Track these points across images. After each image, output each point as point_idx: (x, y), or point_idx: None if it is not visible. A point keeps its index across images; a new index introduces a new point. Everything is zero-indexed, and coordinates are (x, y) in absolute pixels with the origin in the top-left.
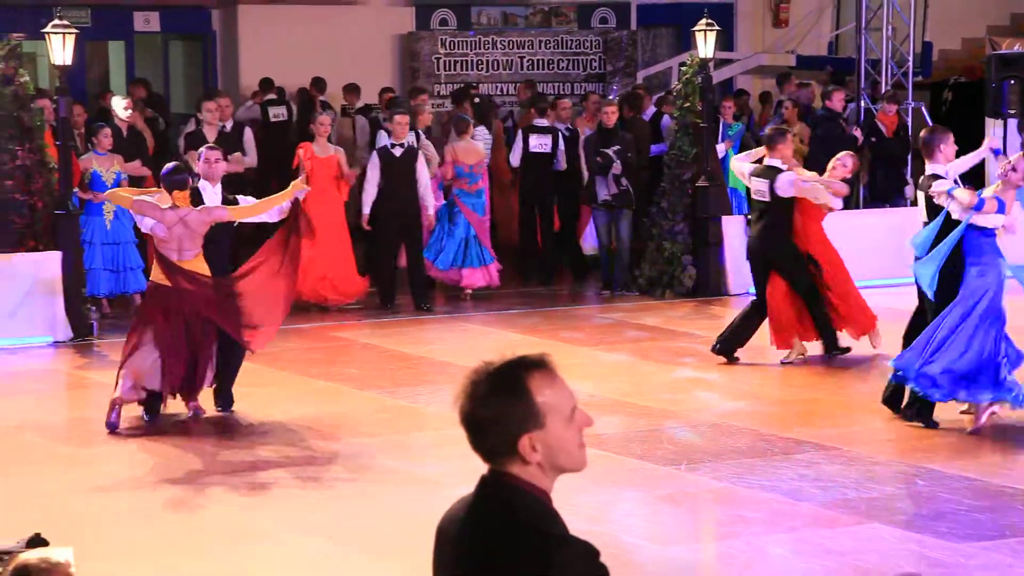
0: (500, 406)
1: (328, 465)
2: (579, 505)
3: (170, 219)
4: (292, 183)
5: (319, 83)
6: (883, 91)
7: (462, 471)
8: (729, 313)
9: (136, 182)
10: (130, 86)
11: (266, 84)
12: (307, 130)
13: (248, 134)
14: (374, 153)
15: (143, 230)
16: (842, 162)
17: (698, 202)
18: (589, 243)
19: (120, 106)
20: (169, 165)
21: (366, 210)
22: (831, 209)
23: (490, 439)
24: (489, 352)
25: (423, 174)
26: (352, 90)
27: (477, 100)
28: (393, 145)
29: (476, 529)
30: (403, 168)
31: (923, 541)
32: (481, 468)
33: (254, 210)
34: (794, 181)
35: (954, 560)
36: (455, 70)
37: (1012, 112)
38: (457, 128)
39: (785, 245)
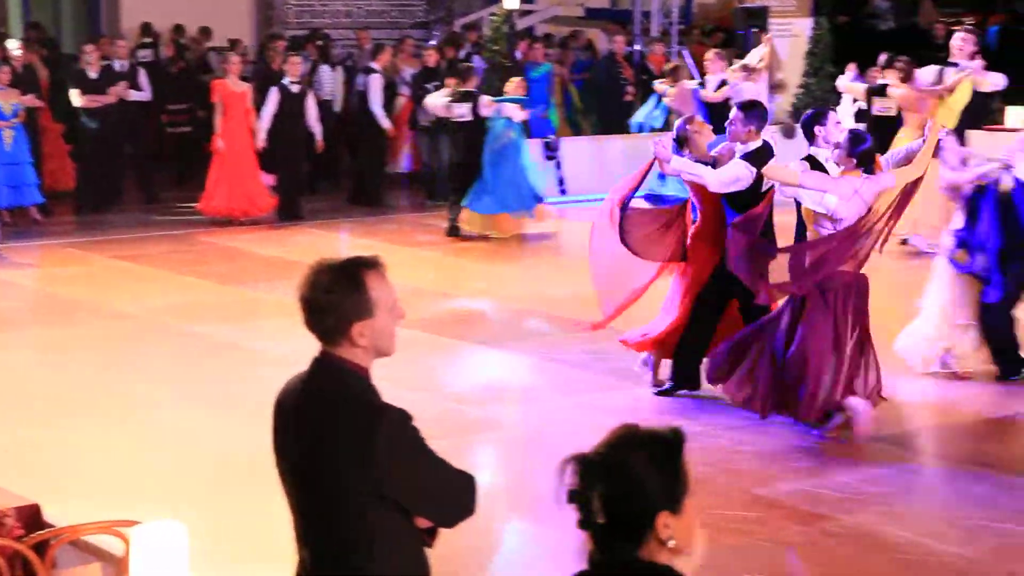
0: (340, 295)
1: (200, 345)
2: (403, 377)
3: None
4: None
5: (179, 29)
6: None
7: (308, 350)
8: None
9: (31, 112)
10: (26, 30)
11: (145, 29)
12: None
13: (143, 74)
14: (273, 89)
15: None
16: None
17: None
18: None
19: (14, 46)
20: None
21: (263, 136)
22: None
23: (327, 322)
24: (338, 254)
25: (312, 109)
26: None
27: (320, 43)
28: (291, 82)
29: (312, 401)
30: (296, 104)
31: (638, 391)
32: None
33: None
34: None
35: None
36: (304, 18)
37: None
38: None
39: None
